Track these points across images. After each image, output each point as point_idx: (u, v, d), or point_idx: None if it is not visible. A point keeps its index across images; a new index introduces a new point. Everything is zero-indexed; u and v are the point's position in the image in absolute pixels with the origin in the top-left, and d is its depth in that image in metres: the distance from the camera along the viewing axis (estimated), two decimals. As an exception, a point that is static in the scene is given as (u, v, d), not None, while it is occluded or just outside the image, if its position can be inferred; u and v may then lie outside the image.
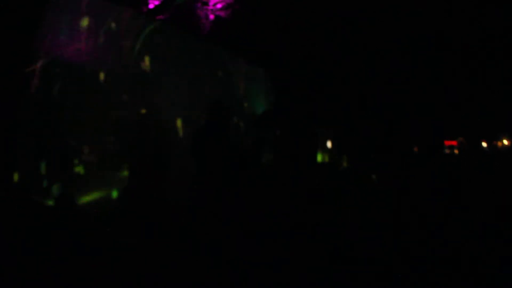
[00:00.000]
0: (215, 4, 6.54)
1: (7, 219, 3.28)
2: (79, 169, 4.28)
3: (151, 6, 5.73)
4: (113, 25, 4.98)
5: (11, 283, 2.86)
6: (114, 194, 4.56)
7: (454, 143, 8.22)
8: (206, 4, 6.58)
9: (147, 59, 5.38)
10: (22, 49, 3.97)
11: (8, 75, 3.80)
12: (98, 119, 4.54)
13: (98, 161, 4.44)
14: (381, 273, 3.29)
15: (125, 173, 4.74)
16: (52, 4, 4.35)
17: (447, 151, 8.24)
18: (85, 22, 4.65)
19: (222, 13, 6.44)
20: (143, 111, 5.14)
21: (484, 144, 10.81)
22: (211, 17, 6.45)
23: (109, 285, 3.14)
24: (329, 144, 6.98)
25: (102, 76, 4.74)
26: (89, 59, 4.67)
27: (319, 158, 6.66)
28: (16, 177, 3.57)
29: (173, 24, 6.27)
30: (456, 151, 7.97)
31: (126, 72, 5.08)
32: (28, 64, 4.06)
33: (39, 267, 3.07)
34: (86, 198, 4.24)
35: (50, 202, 3.94)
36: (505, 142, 12.39)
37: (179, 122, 5.79)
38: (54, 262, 3.15)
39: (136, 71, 5.22)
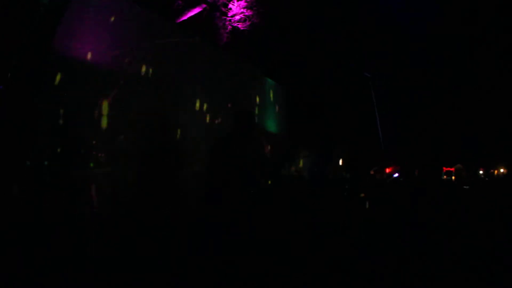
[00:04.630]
0: (233, 16, 6.72)
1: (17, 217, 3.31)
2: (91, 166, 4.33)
3: (185, 17, 5.88)
4: (131, 25, 5.03)
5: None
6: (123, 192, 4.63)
7: (452, 169, 8.44)
8: (225, 14, 6.77)
9: (162, 65, 5.44)
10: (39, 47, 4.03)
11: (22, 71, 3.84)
12: (112, 119, 4.58)
13: (108, 160, 4.49)
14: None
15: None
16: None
17: (444, 176, 8.44)
18: (107, 21, 4.71)
19: (239, 25, 6.61)
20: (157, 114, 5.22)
21: (481, 172, 11.05)
22: (229, 28, 6.62)
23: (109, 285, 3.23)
24: (340, 161, 7.05)
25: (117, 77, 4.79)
26: (104, 60, 4.69)
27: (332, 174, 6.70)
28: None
29: (191, 30, 6.40)
30: (453, 177, 8.18)
31: (140, 76, 5.15)
32: (42, 61, 4.07)
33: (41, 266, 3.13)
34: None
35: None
36: (502, 170, 12.62)
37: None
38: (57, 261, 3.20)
39: (152, 75, 5.29)
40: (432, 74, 8.20)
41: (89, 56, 4.46)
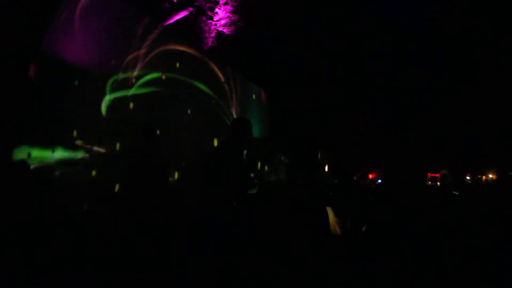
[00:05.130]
0: (219, 20, 6.73)
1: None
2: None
3: (171, 20, 5.89)
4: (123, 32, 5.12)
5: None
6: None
7: (437, 175, 8.47)
8: (211, 18, 6.78)
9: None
10: (29, 48, 4.06)
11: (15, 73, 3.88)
12: (99, 124, 4.65)
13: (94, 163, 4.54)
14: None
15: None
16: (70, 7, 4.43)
17: (429, 182, 8.46)
18: (100, 27, 4.78)
19: (225, 30, 6.62)
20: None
21: (468, 177, 11.08)
22: (213, 33, 6.63)
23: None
24: (326, 168, 7.08)
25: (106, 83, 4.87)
26: (96, 65, 4.78)
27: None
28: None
29: (177, 33, 6.43)
30: (438, 183, 8.22)
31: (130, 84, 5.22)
32: (33, 63, 4.12)
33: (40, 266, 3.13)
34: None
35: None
36: (491, 176, 12.66)
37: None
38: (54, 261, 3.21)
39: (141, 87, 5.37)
40: (431, 74, 8.22)
41: (81, 58, 4.54)
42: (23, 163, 3.58)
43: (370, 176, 6.52)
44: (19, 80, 3.88)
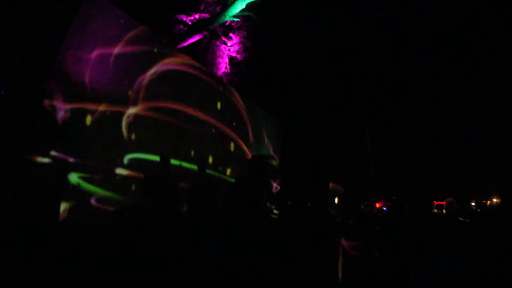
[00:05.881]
0: (232, 45, 6.85)
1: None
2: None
3: (185, 43, 6.01)
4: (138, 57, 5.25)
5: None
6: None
7: (443, 203, 8.48)
8: (225, 43, 6.90)
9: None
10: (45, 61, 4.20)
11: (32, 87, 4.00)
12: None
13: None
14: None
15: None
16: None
17: (435, 210, 8.47)
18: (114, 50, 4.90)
19: (238, 56, 6.74)
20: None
21: (473, 203, 11.07)
22: (226, 58, 6.73)
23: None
24: (336, 200, 7.04)
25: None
26: (110, 85, 4.90)
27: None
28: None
29: (192, 56, 6.53)
30: (444, 211, 8.21)
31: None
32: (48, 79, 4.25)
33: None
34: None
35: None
36: (495, 200, 12.64)
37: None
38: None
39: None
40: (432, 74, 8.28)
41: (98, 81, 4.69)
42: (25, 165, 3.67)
43: (377, 205, 6.57)
44: (22, 83, 3.97)
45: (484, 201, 11.77)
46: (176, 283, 3.31)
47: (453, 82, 8.13)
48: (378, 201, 6.56)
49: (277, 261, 3.51)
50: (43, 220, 3.52)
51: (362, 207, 6.67)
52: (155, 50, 5.74)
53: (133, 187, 5.03)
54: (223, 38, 6.79)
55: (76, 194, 4.27)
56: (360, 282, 4.36)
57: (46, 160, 4.06)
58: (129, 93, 5.14)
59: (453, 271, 4.46)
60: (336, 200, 7.17)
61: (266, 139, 7.33)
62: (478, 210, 11.00)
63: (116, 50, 5.03)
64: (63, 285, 3.02)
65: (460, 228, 6.59)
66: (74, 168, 4.34)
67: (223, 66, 6.78)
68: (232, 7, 7.28)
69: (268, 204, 3.82)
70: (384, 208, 6.48)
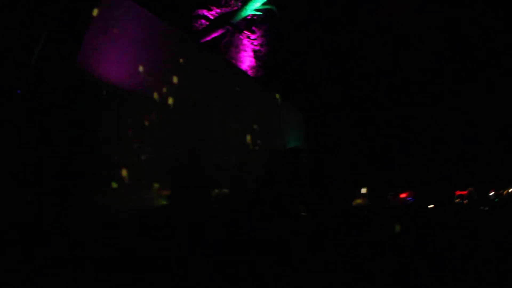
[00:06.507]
0: (256, 38, 6.88)
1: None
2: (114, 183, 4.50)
3: (208, 38, 6.02)
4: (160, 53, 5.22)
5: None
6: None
7: (464, 192, 8.54)
8: (248, 37, 6.94)
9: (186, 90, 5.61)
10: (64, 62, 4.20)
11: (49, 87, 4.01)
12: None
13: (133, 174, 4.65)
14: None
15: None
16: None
17: (457, 200, 8.52)
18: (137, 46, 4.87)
19: (262, 49, 6.77)
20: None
21: (492, 193, 11.07)
22: (250, 51, 6.77)
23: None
24: (363, 190, 7.08)
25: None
26: (131, 83, 4.86)
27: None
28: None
29: (215, 50, 6.54)
30: (465, 201, 8.27)
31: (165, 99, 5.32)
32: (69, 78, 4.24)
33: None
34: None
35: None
36: (511, 190, 12.62)
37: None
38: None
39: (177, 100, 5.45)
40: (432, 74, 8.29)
41: (113, 74, 4.64)
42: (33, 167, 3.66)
43: (402, 195, 6.65)
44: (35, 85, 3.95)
45: (501, 191, 11.78)
46: (176, 283, 3.28)
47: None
48: (403, 192, 6.63)
49: (277, 261, 3.53)
50: (43, 220, 3.50)
51: (387, 197, 6.76)
52: (178, 46, 5.71)
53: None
54: (246, 32, 6.81)
55: (79, 193, 4.15)
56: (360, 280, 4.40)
57: (59, 158, 4.03)
58: (153, 91, 5.10)
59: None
60: (363, 190, 7.26)
61: (288, 131, 7.38)
62: (496, 200, 11.01)
63: (138, 47, 5.01)
64: (63, 285, 3.01)
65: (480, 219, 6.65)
66: (88, 168, 4.31)
67: (248, 59, 6.82)
68: (253, 0, 7.31)
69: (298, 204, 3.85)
70: (409, 199, 6.55)
